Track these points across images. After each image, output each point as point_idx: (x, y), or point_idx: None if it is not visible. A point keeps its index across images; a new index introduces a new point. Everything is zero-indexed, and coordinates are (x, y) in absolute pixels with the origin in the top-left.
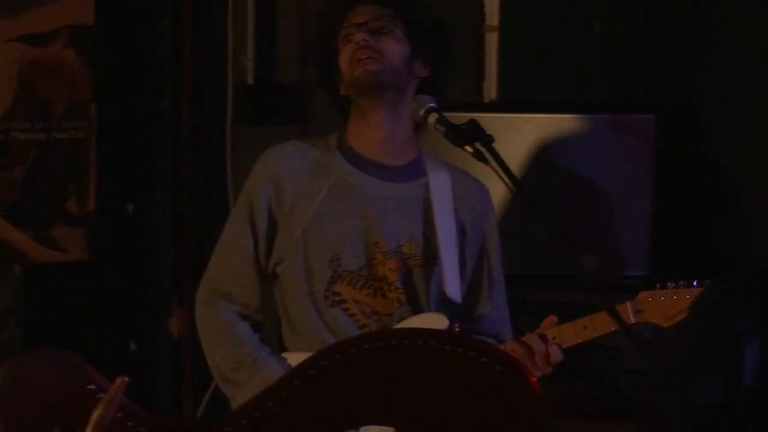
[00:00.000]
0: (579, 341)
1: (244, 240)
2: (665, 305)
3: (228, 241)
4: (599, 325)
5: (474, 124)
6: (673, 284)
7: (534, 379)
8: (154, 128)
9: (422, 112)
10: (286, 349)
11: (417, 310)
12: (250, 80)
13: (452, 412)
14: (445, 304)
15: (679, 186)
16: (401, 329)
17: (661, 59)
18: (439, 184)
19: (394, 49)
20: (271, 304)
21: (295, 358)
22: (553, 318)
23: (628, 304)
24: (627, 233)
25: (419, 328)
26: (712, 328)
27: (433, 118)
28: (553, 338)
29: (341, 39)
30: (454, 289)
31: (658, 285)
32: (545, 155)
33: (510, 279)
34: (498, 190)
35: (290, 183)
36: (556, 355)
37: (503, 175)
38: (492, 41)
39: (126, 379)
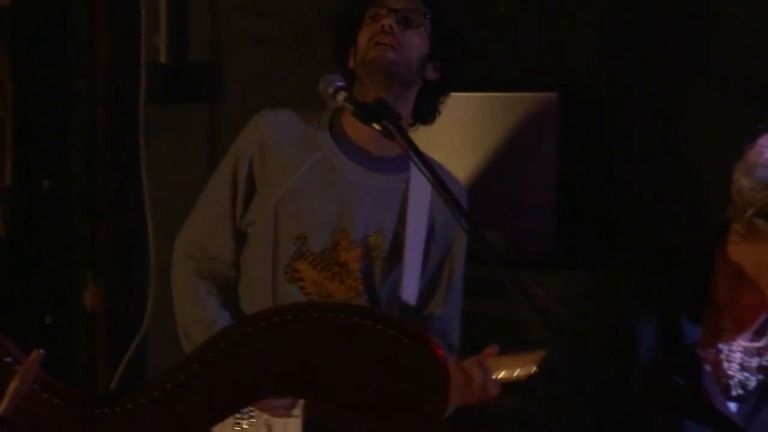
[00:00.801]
0: (518, 375)
1: (224, 196)
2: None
3: (209, 196)
4: (505, 365)
5: (382, 103)
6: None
7: (441, 352)
8: (69, 106)
9: (331, 90)
10: (241, 311)
11: (372, 301)
12: (162, 60)
13: (361, 383)
14: (398, 302)
15: (582, 163)
16: (313, 302)
17: (565, 38)
18: (420, 182)
19: (416, 44)
20: None
21: None
22: (495, 348)
23: (539, 355)
24: (532, 210)
25: (328, 302)
26: (608, 309)
27: (342, 96)
28: (492, 369)
29: (369, 16)
30: (410, 289)
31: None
32: (452, 133)
33: None
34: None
35: (275, 150)
36: (494, 388)
37: (410, 152)
38: None
39: (42, 351)
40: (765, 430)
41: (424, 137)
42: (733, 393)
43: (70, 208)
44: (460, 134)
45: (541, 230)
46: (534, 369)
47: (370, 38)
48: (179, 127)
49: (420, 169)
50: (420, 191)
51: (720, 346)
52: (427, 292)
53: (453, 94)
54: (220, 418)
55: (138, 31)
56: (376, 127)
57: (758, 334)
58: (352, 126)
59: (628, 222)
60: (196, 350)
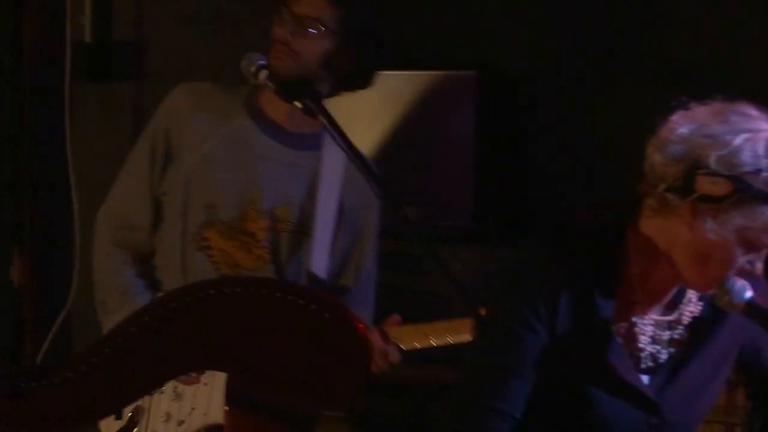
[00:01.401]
0: (417, 346)
1: (142, 165)
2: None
3: (129, 167)
4: (439, 333)
5: (303, 80)
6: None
7: (361, 325)
8: None
9: (253, 69)
10: (157, 280)
11: (280, 271)
12: (87, 39)
13: (283, 356)
14: (308, 277)
15: (499, 139)
16: (237, 277)
17: (483, 19)
18: (333, 160)
19: (313, 50)
20: None
21: None
22: (397, 317)
23: (468, 320)
24: (449, 186)
25: (252, 276)
26: (528, 283)
27: (263, 75)
28: (393, 338)
29: (278, 14)
30: (319, 265)
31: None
32: (372, 110)
33: None
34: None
35: (191, 121)
36: (395, 355)
37: (331, 129)
38: None
39: None
40: (676, 402)
41: (343, 113)
42: (644, 365)
43: None
44: (379, 111)
45: (457, 206)
46: (448, 339)
47: (270, 44)
48: (104, 105)
49: (341, 147)
50: (332, 170)
51: (632, 319)
52: (336, 270)
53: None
54: (145, 390)
55: (63, 10)
56: (297, 105)
57: (669, 308)
58: (268, 101)
59: (544, 198)
60: (121, 324)
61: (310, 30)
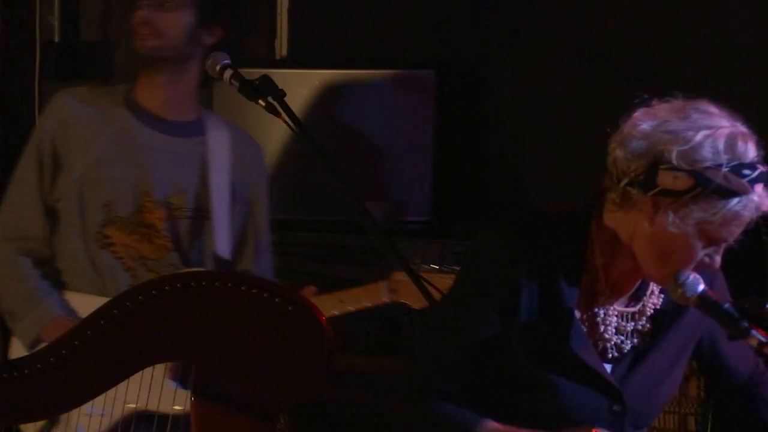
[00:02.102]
0: (335, 313)
1: (30, 175)
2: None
3: (18, 176)
4: (354, 299)
5: (266, 80)
6: (427, 267)
7: (323, 317)
8: None
9: (218, 68)
10: (63, 283)
11: (184, 258)
12: (56, 38)
13: (248, 348)
14: (213, 259)
15: (458, 136)
16: (203, 271)
17: (441, 19)
18: (218, 143)
19: (176, 24)
20: None
21: (73, 298)
22: (312, 288)
23: (382, 283)
24: (409, 181)
25: (217, 271)
26: (491, 272)
27: (228, 73)
28: None
29: (134, 3)
30: (222, 245)
31: (414, 265)
32: (333, 108)
33: (299, 224)
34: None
35: (75, 126)
36: None
37: (294, 127)
38: (283, 3)
39: None
40: (637, 390)
41: (304, 110)
42: (609, 355)
43: None
44: (340, 109)
45: (417, 201)
46: (364, 303)
47: (132, 28)
48: None
49: (309, 143)
50: (219, 152)
51: (597, 309)
52: (237, 249)
53: (335, 70)
54: (113, 382)
55: (33, 11)
56: (261, 103)
57: (633, 300)
58: (145, 95)
59: (502, 193)
60: (90, 317)
61: (169, 5)
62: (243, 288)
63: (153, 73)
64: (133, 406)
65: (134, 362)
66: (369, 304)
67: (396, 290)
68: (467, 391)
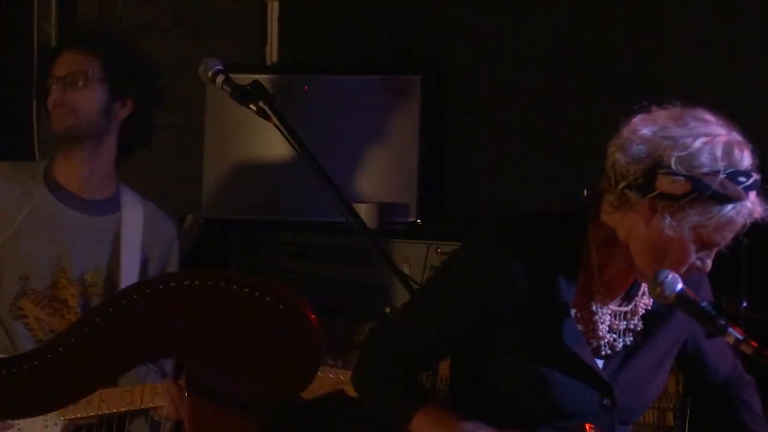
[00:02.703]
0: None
1: None
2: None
3: None
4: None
5: (257, 85)
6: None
7: (313, 315)
8: None
9: (210, 74)
10: None
11: None
12: (53, 43)
13: (241, 345)
14: None
15: (443, 141)
16: (198, 271)
17: (427, 26)
18: (132, 221)
19: (89, 101)
20: None
21: None
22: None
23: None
24: (396, 184)
25: (213, 270)
26: (488, 267)
27: (220, 79)
28: None
29: (49, 84)
30: None
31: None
32: (323, 113)
33: (288, 224)
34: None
35: None
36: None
37: (284, 130)
38: (273, 10)
39: None
40: (627, 386)
41: (293, 114)
42: (602, 352)
43: None
44: (330, 113)
45: (403, 203)
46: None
47: (49, 109)
48: None
49: (299, 148)
50: (132, 228)
51: (592, 308)
52: None
53: (324, 76)
54: (111, 376)
55: (31, 18)
56: (252, 108)
57: (626, 300)
58: (63, 174)
59: (485, 195)
60: (86, 315)
61: (80, 83)
62: (235, 287)
63: (70, 151)
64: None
65: (129, 359)
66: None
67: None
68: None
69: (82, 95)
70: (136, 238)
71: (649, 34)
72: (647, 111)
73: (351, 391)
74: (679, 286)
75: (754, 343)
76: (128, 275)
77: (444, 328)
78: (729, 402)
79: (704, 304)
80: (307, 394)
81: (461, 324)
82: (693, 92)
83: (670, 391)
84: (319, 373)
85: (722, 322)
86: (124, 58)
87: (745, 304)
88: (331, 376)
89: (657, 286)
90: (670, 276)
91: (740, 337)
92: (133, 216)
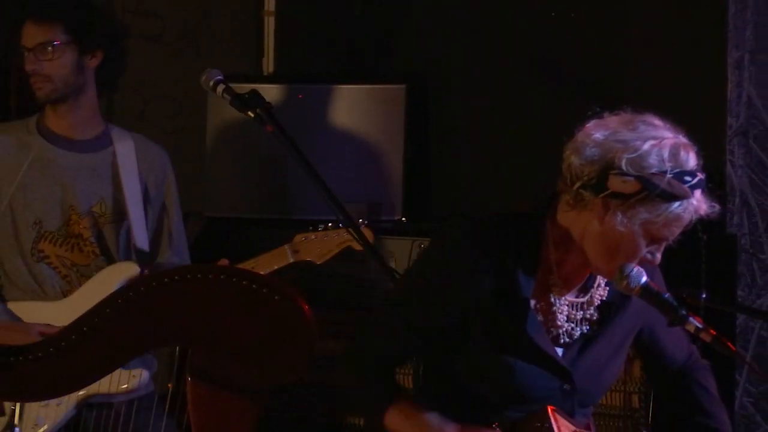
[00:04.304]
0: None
1: None
2: (318, 245)
3: None
4: (264, 264)
5: (255, 93)
6: (323, 227)
7: (306, 306)
8: None
9: (212, 83)
10: (3, 298)
11: (111, 260)
12: None
13: (239, 333)
14: (135, 254)
15: (426, 144)
16: (199, 265)
17: (411, 39)
18: (125, 151)
19: (60, 66)
20: None
21: (14, 306)
22: (225, 261)
23: (286, 246)
24: (383, 184)
25: (213, 264)
26: (455, 262)
27: (220, 88)
28: None
29: (21, 54)
30: (142, 240)
31: (311, 228)
32: (315, 119)
33: (284, 222)
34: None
35: None
36: None
37: (280, 136)
38: (270, 25)
39: None
40: (585, 372)
41: (288, 120)
42: (561, 341)
43: None
44: (323, 119)
45: (390, 203)
46: (274, 266)
47: (27, 82)
48: None
49: (294, 151)
50: (128, 160)
51: (550, 300)
52: (154, 242)
53: (316, 85)
54: (117, 364)
55: None
56: (250, 114)
57: (583, 291)
58: (53, 121)
59: (466, 195)
60: (96, 306)
61: (48, 51)
62: (234, 280)
63: (57, 106)
64: (83, 392)
65: (136, 346)
66: (277, 267)
67: (298, 251)
68: (426, 375)
69: (53, 63)
70: (132, 166)
71: (616, 46)
72: (600, 116)
73: (356, 246)
74: (644, 279)
75: (713, 332)
76: (133, 201)
77: (418, 325)
78: (687, 385)
79: (666, 295)
80: (320, 259)
81: (434, 320)
82: (657, 99)
83: (636, 376)
84: (319, 237)
85: (683, 312)
86: (84, 16)
87: (704, 296)
88: (336, 237)
89: (623, 279)
90: (636, 270)
91: (700, 326)
92: (125, 147)
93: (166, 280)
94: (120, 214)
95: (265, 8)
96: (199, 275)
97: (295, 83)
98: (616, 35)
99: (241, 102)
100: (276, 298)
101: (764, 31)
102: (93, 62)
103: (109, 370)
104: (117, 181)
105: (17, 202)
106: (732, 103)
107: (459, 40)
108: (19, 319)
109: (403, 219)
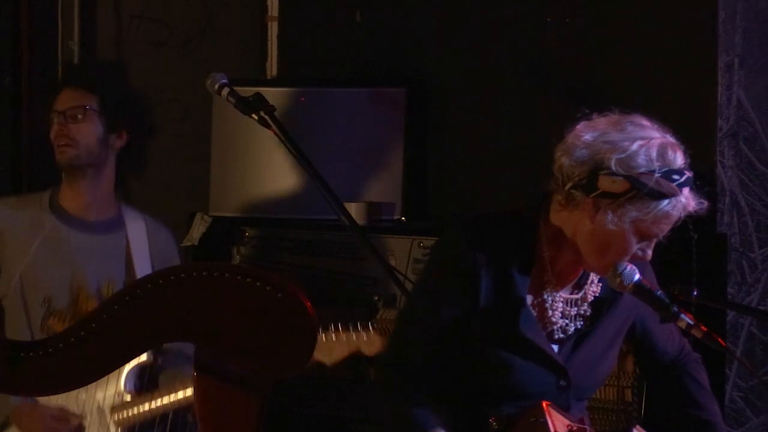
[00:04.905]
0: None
1: None
2: (328, 347)
3: None
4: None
5: (259, 97)
6: (333, 328)
7: (308, 303)
8: None
9: (217, 86)
10: None
11: None
12: (76, 60)
13: (244, 330)
14: None
15: (425, 145)
16: (204, 263)
17: (410, 43)
18: (137, 235)
19: (88, 133)
20: None
21: None
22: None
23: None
24: (383, 185)
25: (218, 263)
26: (455, 263)
27: (225, 91)
28: None
29: (51, 118)
30: None
31: (320, 329)
32: (318, 121)
33: (288, 222)
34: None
35: (9, 234)
36: None
37: (283, 138)
38: (273, 29)
39: None
40: (580, 367)
41: (291, 123)
42: (556, 336)
43: None
44: (324, 121)
45: (389, 203)
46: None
47: (52, 140)
48: None
49: (296, 153)
50: (139, 243)
51: (545, 296)
52: None
53: (318, 88)
54: (127, 358)
55: (55, 36)
56: (254, 117)
57: (576, 288)
58: (68, 200)
59: (463, 195)
60: (105, 303)
61: (79, 117)
62: (238, 277)
63: (74, 180)
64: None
65: (143, 342)
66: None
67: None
68: (436, 371)
69: (81, 127)
70: (144, 248)
71: (611, 51)
72: (589, 118)
73: (369, 351)
74: (637, 276)
75: (704, 328)
76: None
77: (435, 330)
78: (678, 377)
79: (659, 292)
80: (329, 360)
81: (447, 322)
82: (650, 102)
83: (629, 371)
84: (329, 340)
85: (675, 308)
86: (118, 94)
87: (695, 293)
88: (345, 339)
89: (617, 277)
90: (629, 268)
91: (691, 322)
92: (137, 230)
93: (172, 277)
94: None
95: (269, 13)
96: (204, 272)
97: (297, 87)
98: (611, 41)
99: (245, 105)
100: (279, 295)
101: (753, 37)
102: (118, 142)
103: (116, 366)
104: (128, 263)
105: (27, 278)
106: (722, 106)
107: (457, 45)
108: (33, 400)
109: (403, 219)
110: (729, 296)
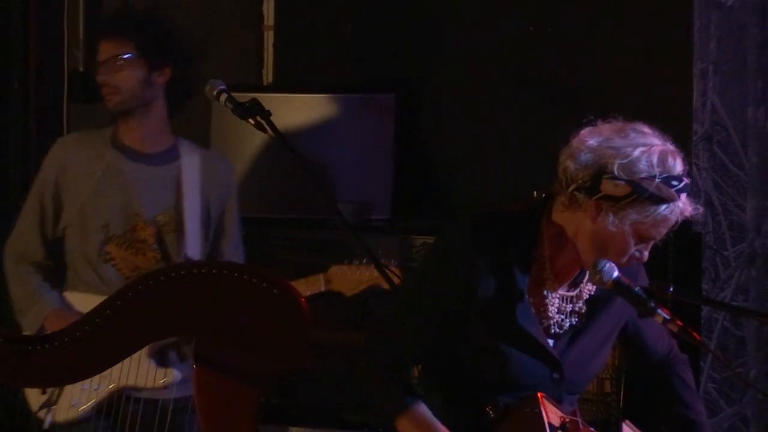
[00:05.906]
0: None
1: (32, 214)
2: (350, 279)
3: (24, 212)
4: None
5: (255, 102)
6: (358, 261)
7: (303, 299)
8: (6, 105)
9: (215, 92)
10: (67, 287)
11: (170, 264)
12: (81, 68)
13: (242, 324)
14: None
15: (413, 147)
16: (204, 261)
17: (399, 51)
18: (190, 167)
19: (129, 78)
20: None
21: (70, 295)
22: None
23: (321, 275)
24: (374, 185)
25: (218, 261)
26: (458, 257)
27: (223, 97)
28: None
29: (95, 70)
30: (193, 250)
31: (347, 261)
32: (312, 125)
33: (282, 221)
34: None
35: (72, 168)
36: None
37: (279, 140)
38: (269, 37)
39: None
40: (574, 362)
41: (287, 127)
42: (552, 331)
43: (4, 192)
44: (318, 125)
45: (380, 203)
46: (307, 293)
47: (100, 89)
48: (94, 122)
49: (291, 155)
50: (191, 175)
51: (544, 293)
52: (213, 251)
53: (312, 94)
54: (131, 351)
55: (61, 44)
56: (251, 122)
57: (573, 286)
58: (125, 135)
59: (452, 196)
60: (109, 299)
61: (117, 64)
62: (237, 275)
63: (126, 120)
64: (114, 386)
65: (145, 336)
66: (309, 293)
67: (330, 281)
68: (425, 358)
69: (121, 75)
70: (195, 182)
71: (591, 59)
72: (593, 124)
73: (383, 283)
74: (615, 273)
75: (679, 322)
76: (191, 217)
77: (428, 320)
78: (667, 377)
79: (637, 288)
80: (349, 291)
81: (441, 314)
82: (629, 106)
83: (608, 363)
84: (352, 271)
85: (652, 304)
86: (153, 34)
87: (671, 289)
88: (367, 273)
89: (596, 274)
90: (608, 265)
91: (667, 317)
92: (191, 162)
93: (173, 274)
94: (182, 224)
95: (265, 23)
96: (204, 270)
97: (293, 92)
98: (592, 49)
99: (243, 110)
100: (274, 291)
101: (726, 45)
102: (161, 79)
103: (120, 358)
104: (178, 193)
105: (89, 206)
106: (697, 110)
107: (444, 53)
108: (71, 308)
109: (392, 218)
110: (703, 292)
